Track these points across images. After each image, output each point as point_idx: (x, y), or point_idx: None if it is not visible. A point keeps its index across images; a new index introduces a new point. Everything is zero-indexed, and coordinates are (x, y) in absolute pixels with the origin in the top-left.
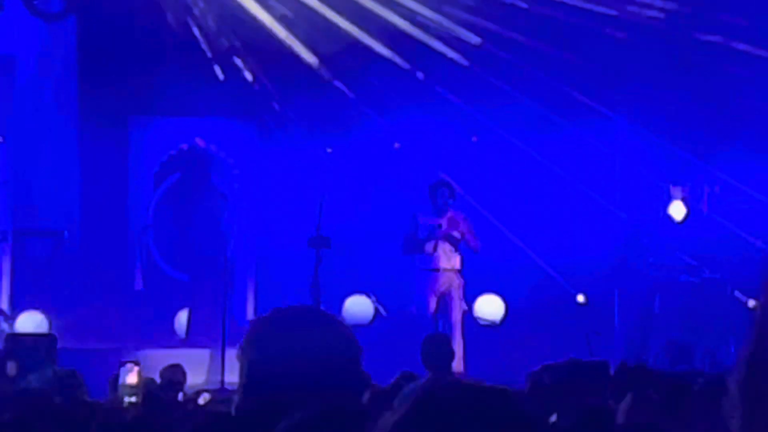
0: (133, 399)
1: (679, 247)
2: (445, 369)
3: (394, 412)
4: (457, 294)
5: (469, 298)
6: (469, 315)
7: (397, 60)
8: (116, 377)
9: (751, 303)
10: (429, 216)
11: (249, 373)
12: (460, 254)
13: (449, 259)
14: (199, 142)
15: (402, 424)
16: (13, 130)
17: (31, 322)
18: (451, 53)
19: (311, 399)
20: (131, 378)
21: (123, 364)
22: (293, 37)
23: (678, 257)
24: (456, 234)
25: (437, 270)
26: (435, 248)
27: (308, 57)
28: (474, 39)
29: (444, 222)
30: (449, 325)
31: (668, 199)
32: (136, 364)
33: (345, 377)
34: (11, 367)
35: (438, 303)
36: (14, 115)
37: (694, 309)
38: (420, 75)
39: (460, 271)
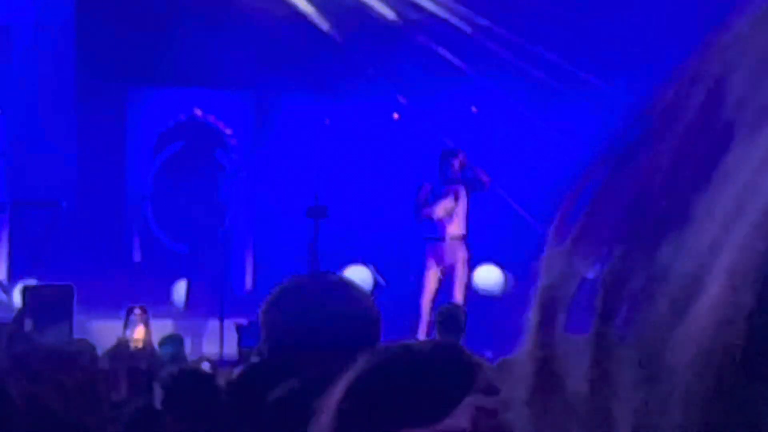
0: (140, 345)
1: None
2: (454, 339)
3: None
4: (462, 269)
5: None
6: (470, 284)
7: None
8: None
9: None
10: (438, 185)
11: (269, 335)
12: (466, 220)
13: (457, 226)
14: (198, 112)
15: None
16: (10, 102)
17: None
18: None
19: (330, 359)
20: (138, 332)
21: (131, 310)
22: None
23: None
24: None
25: (443, 239)
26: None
27: (320, 22)
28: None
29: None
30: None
31: None
32: (144, 311)
33: (366, 339)
34: (28, 324)
35: (442, 275)
36: (11, 86)
37: None
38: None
39: (466, 239)
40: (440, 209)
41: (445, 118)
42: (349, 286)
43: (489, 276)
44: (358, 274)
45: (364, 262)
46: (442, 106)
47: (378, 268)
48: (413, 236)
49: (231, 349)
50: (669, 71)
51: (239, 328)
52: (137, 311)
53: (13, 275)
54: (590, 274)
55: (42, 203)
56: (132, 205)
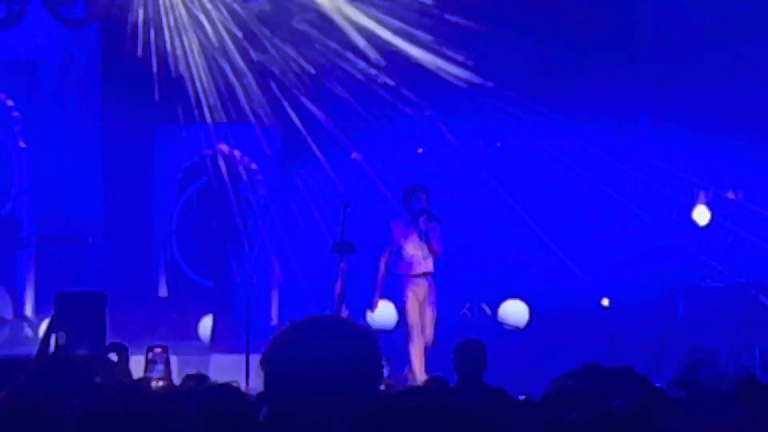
0: (161, 383)
1: (703, 252)
2: (476, 376)
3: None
4: (432, 301)
5: (494, 303)
6: (494, 319)
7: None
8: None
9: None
10: (405, 222)
11: (268, 382)
12: (433, 258)
13: (426, 263)
14: (223, 148)
15: None
16: (37, 137)
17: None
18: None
19: (332, 405)
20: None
21: (150, 349)
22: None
23: (702, 262)
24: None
25: (416, 276)
26: (412, 253)
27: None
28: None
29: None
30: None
31: (693, 204)
32: (165, 350)
33: (366, 382)
34: (61, 337)
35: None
36: (38, 121)
37: (719, 313)
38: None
39: (433, 275)
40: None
41: (469, 154)
42: (347, 328)
43: (514, 311)
44: (384, 309)
45: (390, 298)
46: (465, 141)
47: None
48: (437, 271)
49: (257, 383)
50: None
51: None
52: (157, 350)
53: (40, 311)
54: None
55: (68, 238)
56: (158, 240)
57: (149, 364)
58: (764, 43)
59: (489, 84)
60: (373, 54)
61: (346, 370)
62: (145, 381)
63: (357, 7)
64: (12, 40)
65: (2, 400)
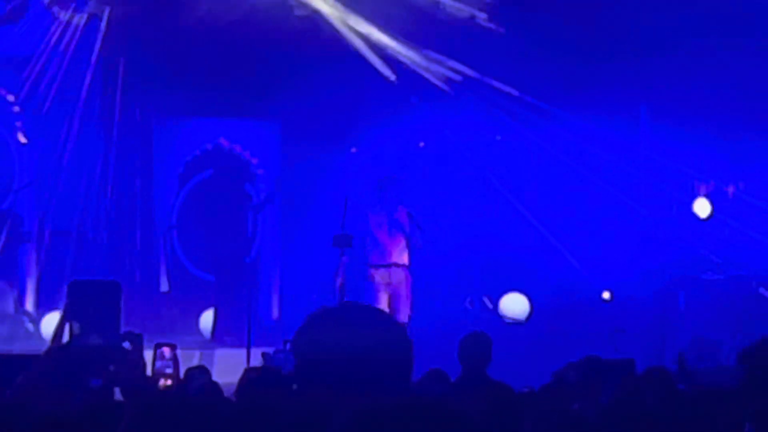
0: (169, 382)
1: (703, 244)
2: (480, 369)
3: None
4: (404, 293)
5: (495, 296)
6: (494, 313)
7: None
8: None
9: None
10: (379, 213)
11: (299, 367)
12: (408, 250)
13: (400, 254)
14: (224, 142)
15: None
16: (38, 132)
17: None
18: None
19: (361, 394)
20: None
21: (159, 346)
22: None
23: (702, 254)
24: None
25: (388, 266)
26: (386, 242)
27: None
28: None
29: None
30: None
31: (693, 196)
32: (173, 348)
33: (397, 372)
34: (75, 327)
35: (389, 302)
36: (38, 116)
37: (720, 306)
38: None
39: (408, 267)
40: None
41: (468, 147)
42: (381, 314)
43: (515, 304)
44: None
45: None
46: (464, 135)
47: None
48: (438, 265)
49: None
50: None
51: (266, 357)
52: (165, 349)
53: (41, 305)
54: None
55: (69, 232)
56: (159, 235)
57: (157, 361)
58: (766, 36)
59: (488, 79)
60: (376, 61)
61: (379, 358)
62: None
63: (357, 14)
64: (12, 36)
65: (17, 388)
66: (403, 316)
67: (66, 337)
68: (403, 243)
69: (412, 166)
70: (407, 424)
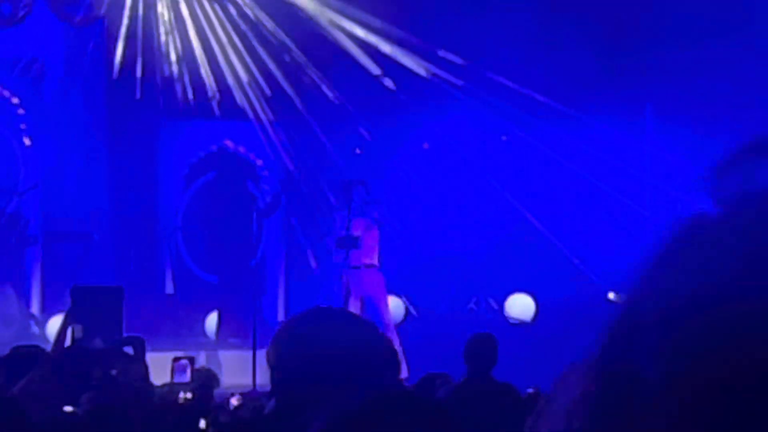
0: (189, 395)
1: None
2: (486, 371)
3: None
4: (382, 292)
5: (500, 297)
6: (500, 314)
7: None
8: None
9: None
10: (345, 216)
11: (275, 376)
12: (379, 249)
13: (370, 255)
14: (229, 144)
15: None
16: (42, 134)
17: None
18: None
19: (338, 400)
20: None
21: (177, 360)
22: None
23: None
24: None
25: (358, 267)
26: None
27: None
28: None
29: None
30: (382, 328)
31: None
32: (191, 361)
33: (374, 377)
34: (77, 330)
35: (362, 304)
36: (43, 118)
37: None
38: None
39: (378, 268)
40: None
41: (474, 148)
42: (352, 319)
43: (520, 305)
44: (391, 304)
45: (397, 293)
46: (470, 136)
47: (410, 299)
48: (444, 266)
49: (264, 379)
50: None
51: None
52: (183, 362)
53: (46, 308)
54: None
55: (74, 235)
56: (164, 236)
57: (175, 374)
58: None
59: (498, 77)
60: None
61: (355, 362)
62: (169, 389)
63: (349, 17)
64: (17, 38)
65: (20, 391)
66: (387, 320)
67: (68, 341)
68: (371, 244)
69: (417, 168)
70: (383, 418)
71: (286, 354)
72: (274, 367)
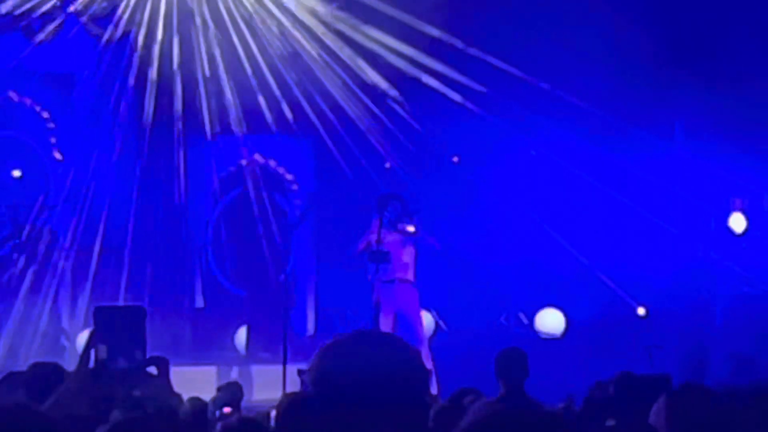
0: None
1: (739, 259)
2: (518, 385)
3: None
4: (415, 308)
5: (530, 312)
6: (530, 328)
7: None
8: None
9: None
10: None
11: (315, 394)
12: (414, 266)
13: (404, 270)
14: (258, 158)
15: None
16: (72, 148)
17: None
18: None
19: (377, 421)
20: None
21: (220, 389)
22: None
23: (738, 269)
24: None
25: (392, 281)
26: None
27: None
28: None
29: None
30: (416, 342)
31: (728, 211)
32: (239, 389)
33: (410, 400)
34: (101, 350)
35: (395, 319)
36: (73, 133)
37: (757, 321)
38: (479, 87)
39: (413, 283)
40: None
41: (503, 163)
42: (393, 343)
43: (551, 320)
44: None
45: (427, 308)
46: (499, 151)
47: (440, 313)
48: (474, 280)
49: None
50: None
51: (302, 373)
52: (227, 409)
53: (76, 322)
54: None
55: (104, 249)
56: (194, 250)
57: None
58: None
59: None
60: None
61: (393, 386)
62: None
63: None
64: (47, 54)
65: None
66: (421, 335)
67: (92, 363)
68: (406, 259)
69: (446, 182)
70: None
71: (328, 373)
72: (313, 387)
